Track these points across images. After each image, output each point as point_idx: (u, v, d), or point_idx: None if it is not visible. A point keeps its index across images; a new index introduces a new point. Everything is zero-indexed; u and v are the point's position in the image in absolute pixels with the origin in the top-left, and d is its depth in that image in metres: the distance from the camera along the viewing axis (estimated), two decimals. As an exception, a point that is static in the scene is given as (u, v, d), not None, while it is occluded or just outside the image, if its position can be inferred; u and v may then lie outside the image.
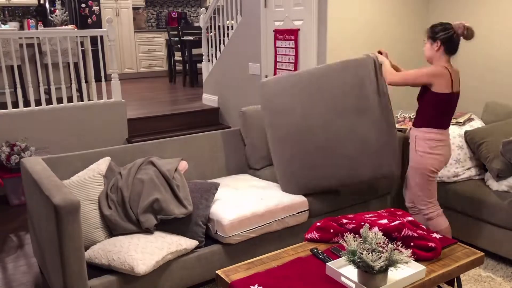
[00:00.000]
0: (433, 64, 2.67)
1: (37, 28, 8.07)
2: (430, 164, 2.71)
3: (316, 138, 2.98)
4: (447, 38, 2.60)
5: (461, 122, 3.50)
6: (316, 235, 2.41)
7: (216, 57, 5.93)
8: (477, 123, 3.45)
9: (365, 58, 2.91)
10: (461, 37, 2.64)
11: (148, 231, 2.62)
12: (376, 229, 2.20)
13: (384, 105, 2.92)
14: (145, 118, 5.40)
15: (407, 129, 3.97)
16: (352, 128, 2.93)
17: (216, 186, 2.85)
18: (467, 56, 4.23)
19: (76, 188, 2.64)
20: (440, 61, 2.65)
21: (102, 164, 2.85)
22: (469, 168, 3.24)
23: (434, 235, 2.42)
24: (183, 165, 3.01)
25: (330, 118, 2.95)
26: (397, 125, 4.09)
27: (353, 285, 1.94)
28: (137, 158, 3.09)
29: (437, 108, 2.65)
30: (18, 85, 4.66)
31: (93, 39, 5.34)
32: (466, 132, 3.29)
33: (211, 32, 6.14)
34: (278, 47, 4.58)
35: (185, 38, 7.65)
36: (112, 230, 2.64)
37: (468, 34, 2.63)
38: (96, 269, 2.42)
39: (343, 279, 1.99)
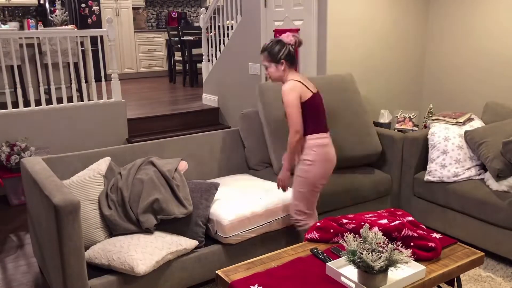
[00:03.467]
0: (286, 83, 2.66)
1: (37, 28, 8.07)
2: (319, 173, 2.67)
3: None
4: (288, 54, 2.65)
5: (461, 122, 3.50)
6: (316, 235, 2.41)
7: (216, 57, 5.94)
8: (477, 123, 3.45)
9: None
10: (298, 45, 2.70)
11: (148, 231, 2.62)
12: (376, 229, 2.20)
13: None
14: (145, 118, 5.40)
15: (407, 129, 3.98)
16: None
17: (216, 186, 2.85)
18: (467, 56, 4.24)
19: (76, 188, 2.64)
20: (289, 76, 2.67)
21: (102, 164, 2.85)
22: (469, 168, 3.24)
23: (434, 235, 2.42)
24: (183, 165, 3.01)
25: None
26: (397, 125, 4.10)
27: (353, 285, 1.94)
28: (137, 158, 3.09)
29: (309, 115, 2.64)
30: (18, 85, 4.66)
31: (93, 39, 5.35)
32: (466, 132, 3.29)
33: (211, 32, 6.15)
34: (278, 47, 4.58)
35: (185, 38, 7.66)
36: (112, 230, 2.64)
37: (298, 41, 2.70)
38: (96, 269, 2.42)
39: (343, 279, 1.99)
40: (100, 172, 2.78)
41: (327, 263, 2.09)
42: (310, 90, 2.66)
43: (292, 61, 2.69)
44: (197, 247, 2.65)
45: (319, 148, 2.66)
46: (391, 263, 1.87)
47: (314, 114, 2.67)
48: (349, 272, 2.00)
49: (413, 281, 2.02)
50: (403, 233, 2.24)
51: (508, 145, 2.95)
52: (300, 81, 2.65)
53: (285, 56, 2.65)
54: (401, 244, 2.13)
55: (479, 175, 3.24)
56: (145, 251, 2.39)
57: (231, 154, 3.50)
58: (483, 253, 2.33)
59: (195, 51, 7.53)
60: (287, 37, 2.68)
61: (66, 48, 4.89)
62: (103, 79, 4.90)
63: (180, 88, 7.76)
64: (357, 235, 2.07)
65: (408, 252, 1.97)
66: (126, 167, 2.88)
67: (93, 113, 4.82)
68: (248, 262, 2.21)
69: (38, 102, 4.62)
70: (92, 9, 8.28)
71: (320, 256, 2.21)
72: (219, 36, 5.86)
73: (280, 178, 2.80)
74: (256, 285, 1.98)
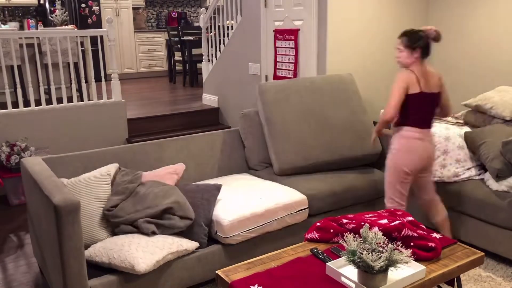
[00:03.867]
0: (404, 70, 2.77)
1: (37, 28, 8.08)
2: (402, 163, 2.78)
3: (311, 119, 3.32)
4: (425, 44, 2.75)
5: (461, 122, 3.50)
6: (316, 235, 2.41)
7: (216, 57, 5.93)
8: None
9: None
10: (435, 39, 2.77)
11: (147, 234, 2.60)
12: (376, 229, 2.20)
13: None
14: (145, 118, 5.40)
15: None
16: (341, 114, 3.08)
17: (218, 188, 2.85)
18: (467, 56, 4.23)
19: (84, 186, 2.65)
20: (416, 66, 2.77)
21: (111, 168, 2.86)
22: (469, 168, 3.24)
23: (434, 235, 2.42)
24: (179, 168, 3.01)
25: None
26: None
27: (353, 285, 1.94)
28: (137, 158, 3.09)
29: (411, 107, 2.75)
30: (18, 85, 4.66)
31: (93, 39, 5.36)
32: (466, 133, 3.29)
33: (211, 32, 6.15)
34: (278, 47, 4.58)
35: (185, 38, 7.66)
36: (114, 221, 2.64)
37: (438, 36, 2.76)
38: (96, 269, 2.42)
39: (343, 279, 1.99)
40: (108, 172, 2.78)
41: (327, 263, 2.09)
42: (420, 87, 2.72)
43: (426, 53, 2.77)
44: (197, 248, 2.65)
45: (406, 140, 2.78)
46: (391, 263, 1.87)
47: (417, 109, 2.75)
48: (349, 272, 2.00)
49: (413, 281, 2.02)
50: (403, 233, 2.24)
51: (508, 145, 2.95)
52: (416, 74, 2.73)
53: (422, 46, 2.74)
54: (401, 244, 2.13)
55: (479, 175, 3.24)
56: (146, 250, 2.40)
57: (231, 154, 3.50)
58: (483, 253, 2.32)
59: (195, 51, 7.53)
60: (429, 29, 2.76)
61: (66, 48, 4.90)
62: (103, 79, 4.90)
63: (180, 88, 7.76)
64: (357, 235, 2.07)
65: (408, 252, 1.97)
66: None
67: (93, 113, 4.82)
68: (248, 262, 2.21)
69: (38, 102, 4.62)
70: (92, 9, 8.29)
71: (320, 256, 2.21)
72: (219, 36, 5.86)
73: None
74: (256, 285, 1.98)
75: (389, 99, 2.74)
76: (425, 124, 2.82)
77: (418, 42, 2.74)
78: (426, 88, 2.75)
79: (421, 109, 2.77)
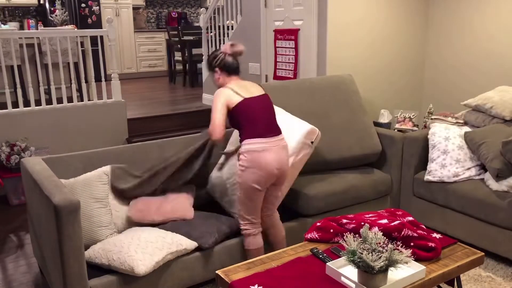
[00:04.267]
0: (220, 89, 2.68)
1: (37, 28, 8.08)
2: (251, 180, 2.55)
3: (311, 119, 3.28)
4: (220, 62, 2.69)
5: (461, 122, 3.50)
6: (316, 235, 2.41)
7: (216, 57, 5.92)
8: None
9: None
10: (234, 54, 2.71)
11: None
12: (376, 229, 2.20)
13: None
14: (145, 118, 5.40)
15: (407, 129, 3.98)
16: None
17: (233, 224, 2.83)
18: (467, 56, 4.24)
19: (82, 186, 2.65)
20: (227, 84, 2.68)
21: (109, 168, 2.87)
22: (469, 168, 3.24)
23: (434, 235, 2.42)
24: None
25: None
26: (397, 125, 4.11)
27: (353, 285, 1.94)
28: (137, 158, 3.09)
29: (243, 120, 2.59)
30: (18, 85, 4.66)
31: (93, 39, 5.35)
32: (466, 133, 3.29)
33: (211, 32, 6.15)
34: (278, 47, 4.59)
35: (185, 38, 7.66)
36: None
37: (237, 50, 2.71)
38: (96, 269, 2.43)
39: (343, 279, 1.99)
40: (105, 172, 2.78)
41: (327, 263, 2.09)
42: (241, 95, 2.60)
43: (229, 70, 2.70)
44: (198, 248, 2.65)
45: (250, 154, 2.53)
46: (391, 263, 1.87)
47: (247, 118, 2.59)
48: (349, 272, 2.00)
49: (413, 281, 2.02)
50: (403, 233, 2.24)
51: (507, 145, 2.95)
52: (232, 88, 2.63)
53: (218, 64, 2.70)
54: (401, 244, 2.13)
55: (479, 175, 3.24)
56: (145, 252, 2.39)
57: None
58: (483, 253, 2.33)
59: (195, 51, 7.53)
60: (224, 46, 2.72)
61: (66, 48, 4.90)
62: (103, 79, 4.90)
63: (180, 88, 7.76)
64: (357, 235, 2.07)
65: (408, 252, 1.97)
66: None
67: (93, 113, 4.82)
68: (248, 262, 2.21)
69: (38, 102, 4.62)
70: (92, 9, 8.29)
71: (320, 256, 2.22)
72: (219, 36, 5.86)
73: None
74: (256, 285, 1.98)
75: (211, 117, 2.58)
76: (267, 131, 2.59)
77: (213, 63, 2.71)
78: (249, 94, 2.62)
79: (254, 117, 2.58)
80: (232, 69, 2.71)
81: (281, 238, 2.83)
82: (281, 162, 2.59)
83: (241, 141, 2.62)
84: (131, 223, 2.81)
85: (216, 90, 2.69)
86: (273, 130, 2.62)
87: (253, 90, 2.69)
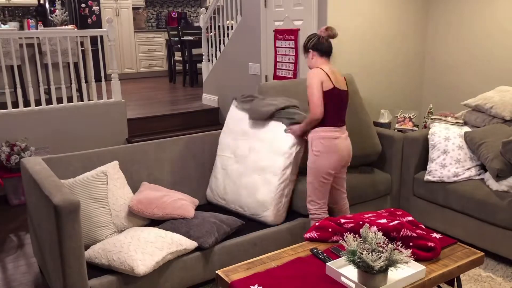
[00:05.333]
0: (312, 69, 2.81)
1: (37, 28, 8.07)
2: (326, 164, 2.76)
3: None
4: (314, 43, 2.80)
5: (461, 123, 3.50)
6: (315, 234, 2.42)
7: (216, 57, 5.93)
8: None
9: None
10: (329, 38, 2.80)
11: None
12: (374, 228, 2.20)
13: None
14: (145, 118, 5.40)
15: (407, 129, 3.98)
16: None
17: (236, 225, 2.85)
18: (467, 56, 4.24)
19: (80, 186, 2.65)
20: (317, 65, 2.80)
21: (110, 167, 2.87)
22: (469, 168, 3.24)
23: (434, 235, 2.42)
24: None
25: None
26: (397, 125, 4.10)
27: (353, 285, 1.94)
28: (137, 158, 3.09)
29: (325, 107, 2.73)
30: (18, 85, 4.66)
31: (93, 39, 5.35)
32: (466, 133, 3.29)
33: (211, 32, 6.15)
34: (278, 47, 4.59)
35: (185, 38, 7.66)
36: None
37: (331, 33, 2.79)
38: (96, 269, 2.43)
39: (343, 279, 1.99)
40: (104, 172, 2.78)
41: (327, 263, 2.09)
42: (332, 83, 2.74)
43: (321, 51, 2.80)
44: (198, 248, 2.65)
45: (326, 140, 2.75)
46: (391, 263, 1.87)
47: (331, 107, 2.75)
48: (349, 272, 2.00)
49: (413, 281, 2.02)
50: (402, 233, 2.24)
51: (507, 145, 2.95)
52: (324, 70, 2.74)
53: (312, 46, 2.80)
54: (400, 244, 2.13)
55: (479, 175, 3.24)
56: (145, 252, 2.39)
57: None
58: (483, 253, 2.33)
59: (195, 51, 7.53)
60: (321, 29, 2.82)
61: (66, 48, 4.89)
62: (103, 79, 4.90)
63: (180, 88, 7.76)
64: (356, 234, 2.07)
65: (408, 252, 1.97)
66: None
67: (93, 113, 4.82)
68: (248, 262, 2.21)
69: (38, 102, 4.62)
70: (92, 9, 8.29)
71: (320, 256, 2.22)
72: (219, 36, 5.86)
73: (292, 128, 2.97)
74: (256, 285, 1.98)
75: (309, 98, 2.73)
76: (340, 121, 2.81)
77: (307, 45, 2.82)
78: (337, 84, 2.76)
79: (334, 105, 2.76)
80: (324, 51, 2.80)
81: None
82: (349, 149, 2.87)
83: (313, 127, 2.79)
84: (131, 223, 2.81)
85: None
86: (343, 122, 2.85)
87: (341, 80, 2.83)
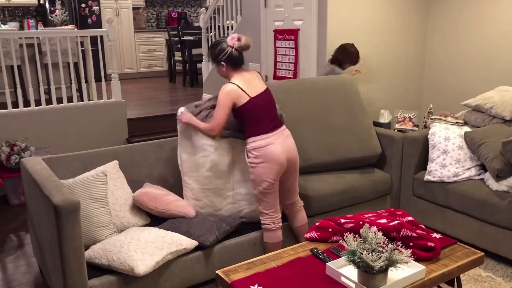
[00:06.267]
0: (227, 84, 2.69)
1: (37, 28, 8.07)
2: (263, 174, 2.64)
3: (311, 119, 3.34)
4: (227, 57, 2.66)
5: (461, 123, 3.50)
6: (315, 234, 2.42)
7: (216, 57, 5.92)
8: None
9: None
10: (241, 48, 2.67)
11: None
12: (374, 228, 2.20)
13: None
14: (145, 118, 5.40)
15: (407, 129, 3.98)
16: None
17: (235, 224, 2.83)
18: (467, 56, 4.24)
19: (80, 186, 2.65)
20: (231, 77, 2.70)
21: (110, 167, 2.86)
22: (469, 168, 3.24)
23: (434, 235, 2.42)
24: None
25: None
26: (397, 125, 4.11)
27: (353, 285, 1.94)
28: (137, 158, 3.09)
29: (248, 119, 2.67)
30: (18, 85, 4.66)
31: (93, 39, 5.35)
32: (466, 133, 3.29)
33: (211, 32, 6.15)
34: (278, 47, 4.59)
35: (185, 38, 7.66)
36: None
37: (242, 44, 2.67)
38: (96, 269, 2.42)
39: (343, 279, 1.99)
40: (104, 171, 2.78)
41: (327, 263, 2.09)
42: (247, 95, 2.64)
43: (234, 64, 2.69)
44: (198, 248, 2.65)
45: (258, 150, 2.64)
46: (391, 263, 1.87)
47: (252, 117, 2.67)
48: (349, 272, 2.00)
49: (413, 281, 2.02)
50: (402, 233, 2.24)
51: (507, 145, 2.95)
52: (238, 85, 2.64)
53: (225, 59, 2.67)
54: (400, 244, 2.13)
55: (479, 175, 3.24)
56: (145, 252, 2.39)
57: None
58: (483, 253, 2.33)
59: (195, 51, 7.53)
60: (230, 39, 2.69)
61: (66, 48, 4.89)
62: (103, 79, 4.90)
63: (180, 88, 7.76)
64: (356, 234, 2.07)
65: (408, 252, 1.97)
66: None
67: (93, 113, 4.82)
68: (248, 262, 2.21)
69: (38, 102, 4.62)
70: (92, 9, 8.28)
71: (320, 256, 2.22)
72: (219, 36, 5.86)
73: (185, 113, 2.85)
74: (256, 285, 1.98)
75: (214, 115, 2.66)
76: (270, 126, 2.68)
77: (219, 57, 2.67)
78: (254, 92, 2.66)
79: (259, 114, 2.66)
80: (238, 63, 2.71)
81: (303, 228, 2.91)
82: (289, 151, 2.71)
83: (246, 138, 2.71)
84: (131, 223, 2.81)
85: (223, 84, 2.70)
86: (275, 124, 2.72)
87: (256, 84, 2.72)
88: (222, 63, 2.69)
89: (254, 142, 2.65)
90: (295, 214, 2.94)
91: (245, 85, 2.67)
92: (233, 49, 2.67)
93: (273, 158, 2.63)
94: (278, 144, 2.66)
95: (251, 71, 2.80)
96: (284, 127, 2.76)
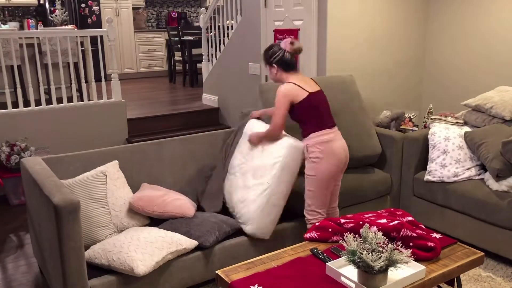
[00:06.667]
0: (283, 85, 2.75)
1: (37, 28, 8.07)
2: (326, 169, 2.69)
3: None
4: (279, 60, 2.75)
5: (461, 123, 3.50)
6: (315, 234, 2.42)
7: (216, 57, 5.93)
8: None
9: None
10: (294, 52, 2.75)
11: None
12: (374, 228, 2.20)
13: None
14: (145, 118, 5.40)
15: (407, 129, 3.98)
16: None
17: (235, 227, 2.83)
18: (467, 56, 4.24)
19: (80, 187, 2.65)
20: (285, 79, 2.77)
21: (109, 167, 2.86)
22: (469, 168, 3.24)
23: (434, 235, 2.42)
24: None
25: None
26: (397, 125, 4.10)
27: (353, 285, 1.94)
28: (137, 158, 3.09)
29: (309, 114, 2.73)
30: (18, 85, 4.66)
31: (93, 39, 5.35)
32: (466, 133, 3.29)
33: (211, 32, 6.15)
34: (278, 47, 4.58)
35: (185, 38, 7.66)
36: None
37: (296, 48, 2.76)
38: (96, 269, 2.43)
39: (343, 279, 1.99)
40: (103, 171, 2.78)
41: (327, 263, 2.09)
42: (306, 90, 2.71)
43: (286, 67, 2.77)
44: (198, 248, 2.65)
45: (323, 144, 2.70)
46: (391, 263, 1.87)
47: (314, 112, 2.73)
48: (349, 272, 2.00)
49: (413, 281, 2.02)
50: (402, 233, 2.24)
51: (507, 145, 2.95)
52: (295, 83, 2.72)
53: (276, 61, 2.77)
54: (400, 244, 2.13)
55: (479, 175, 3.24)
56: (145, 252, 2.39)
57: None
58: (483, 253, 2.33)
59: (195, 51, 7.53)
60: (284, 42, 2.77)
61: (66, 48, 4.89)
62: (103, 79, 4.90)
63: (180, 88, 7.76)
64: (356, 234, 2.07)
65: (408, 252, 1.97)
66: None
67: (93, 113, 4.82)
68: (248, 262, 2.21)
69: (38, 102, 4.62)
70: (92, 9, 8.29)
71: (320, 256, 2.22)
72: (219, 36, 5.86)
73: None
74: (256, 285, 1.98)
75: (273, 116, 2.75)
76: (330, 123, 2.78)
77: (271, 59, 2.77)
78: (312, 88, 2.75)
79: (319, 110, 2.74)
80: (290, 66, 2.78)
81: None
82: (346, 150, 2.80)
83: (305, 135, 2.76)
84: (131, 223, 2.81)
85: (279, 86, 2.76)
86: (333, 121, 2.81)
87: (312, 84, 2.80)
88: (274, 65, 2.78)
89: (320, 136, 2.70)
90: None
91: (301, 82, 2.74)
92: (286, 52, 2.75)
93: (337, 153, 2.71)
94: (338, 140, 2.74)
95: (307, 77, 2.87)
96: (336, 127, 2.82)
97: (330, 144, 2.71)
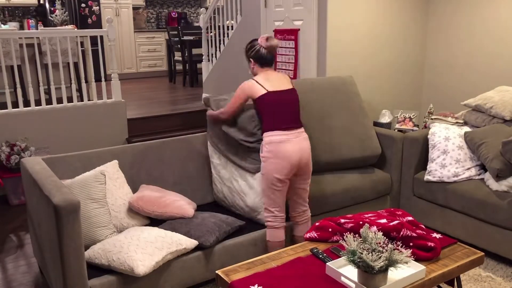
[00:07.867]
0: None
1: (37, 28, 8.07)
2: (273, 169, 2.67)
3: (311, 119, 3.35)
4: (255, 54, 2.82)
5: (461, 123, 3.50)
6: (315, 234, 2.42)
7: (216, 57, 5.93)
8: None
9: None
10: (268, 48, 2.79)
11: None
12: (374, 228, 2.20)
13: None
14: (145, 118, 5.40)
15: (407, 129, 3.98)
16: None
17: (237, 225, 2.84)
18: (467, 56, 4.24)
19: (79, 187, 2.65)
20: (257, 74, 2.83)
21: (109, 167, 2.86)
22: (469, 168, 3.24)
23: (434, 235, 2.42)
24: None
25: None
26: (397, 125, 4.11)
27: (353, 285, 1.94)
28: (137, 158, 3.09)
29: (265, 112, 2.75)
30: (18, 85, 4.66)
31: (93, 39, 5.36)
32: (465, 133, 3.29)
33: (211, 32, 6.15)
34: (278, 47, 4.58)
35: (185, 38, 7.66)
36: None
37: (270, 45, 2.79)
38: (96, 269, 2.43)
39: (343, 279, 1.99)
40: (102, 171, 2.78)
41: (327, 263, 2.09)
42: (265, 88, 2.73)
43: (261, 62, 2.83)
44: (198, 248, 2.65)
45: (271, 145, 2.68)
46: (391, 263, 1.87)
47: (268, 112, 2.74)
48: (349, 272, 2.00)
49: (413, 281, 2.02)
50: (402, 233, 2.24)
51: (507, 145, 2.95)
52: (257, 80, 2.77)
53: (253, 56, 2.83)
54: (400, 244, 2.13)
55: (479, 175, 3.24)
56: (145, 252, 2.39)
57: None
58: (483, 253, 2.33)
59: (195, 51, 7.53)
60: (260, 39, 2.82)
61: (66, 48, 4.90)
62: (103, 79, 4.90)
63: (180, 88, 7.76)
64: (356, 234, 2.07)
65: (408, 252, 1.97)
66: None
67: (93, 113, 4.82)
68: (248, 262, 2.21)
69: (38, 102, 4.62)
70: (92, 9, 8.29)
71: (320, 256, 2.22)
72: (219, 36, 5.86)
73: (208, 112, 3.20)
74: (256, 285, 1.98)
75: (228, 103, 2.90)
76: (287, 124, 2.71)
77: (248, 52, 2.85)
78: (270, 88, 2.74)
79: (275, 110, 2.72)
80: (265, 62, 2.83)
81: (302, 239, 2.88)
82: (302, 152, 2.71)
83: (262, 133, 2.78)
84: (131, 223, 2.81)
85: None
86: (294, 123, 2.75)
87: (281, 83, 2.80)
88: (251, 59, 2.84)
89: (270, 136, 2.70)
90: (300, 224, 2.92)
91: (265, 81, 2.77)
92: (261, 48, 2.79)
93: (285, 155, 2.66)
94: (292, 143, 2.69)
95: (281, 73, 2.89)
96: (302, 129, 2.78)
97: (279, 145, 2.66)
